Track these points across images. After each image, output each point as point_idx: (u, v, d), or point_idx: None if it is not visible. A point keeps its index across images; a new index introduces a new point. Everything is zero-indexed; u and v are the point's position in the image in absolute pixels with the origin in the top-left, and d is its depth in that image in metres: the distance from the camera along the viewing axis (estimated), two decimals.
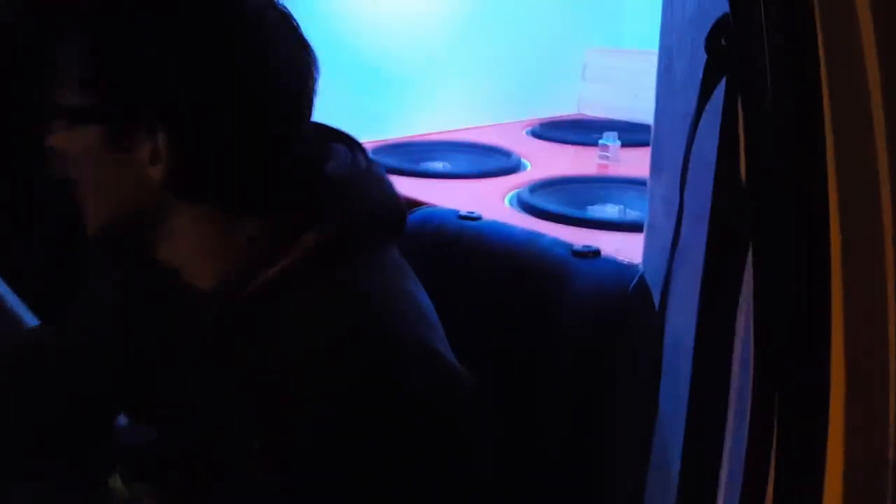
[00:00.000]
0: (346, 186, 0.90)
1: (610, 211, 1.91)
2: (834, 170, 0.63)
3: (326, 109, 2.60)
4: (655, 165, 1.53)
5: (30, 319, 1.11)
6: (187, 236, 0.87)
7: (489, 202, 1.93)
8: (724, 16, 0.69)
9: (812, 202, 0.63)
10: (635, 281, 1.02)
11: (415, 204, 1.87)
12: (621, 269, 1.06)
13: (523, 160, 2.29)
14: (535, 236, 1.15)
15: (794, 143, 0.62)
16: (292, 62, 0.86)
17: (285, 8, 0.87)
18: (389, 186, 0.96)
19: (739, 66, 0.67)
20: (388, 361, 0.81)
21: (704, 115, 0.79)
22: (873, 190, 0.64)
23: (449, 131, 2.63)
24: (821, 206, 0.63)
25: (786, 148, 0.62)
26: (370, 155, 0.98)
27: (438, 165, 2.36)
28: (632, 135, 2.27)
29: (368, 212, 0.90)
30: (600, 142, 2.23)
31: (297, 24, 0.87)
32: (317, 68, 0.89)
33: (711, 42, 0.71)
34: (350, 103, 2.49)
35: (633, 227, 1.64)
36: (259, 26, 0.84)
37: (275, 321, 0.84)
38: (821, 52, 0.62)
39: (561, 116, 2.88)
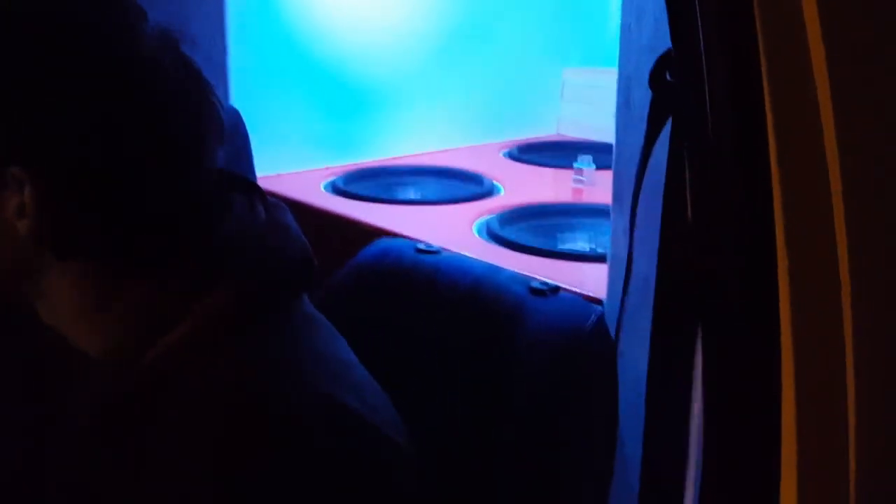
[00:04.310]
0: (244, 244, 0.83)
1: (579, 241, 1.86)
2: (781, 219, 0.58)
3: (297, 132, 2.55)
4: (617, 196, 1.49)
5: None
6: (66, 297, 0.81)
7: (457, 231, 1.88)
8: (669, 50, 0.65)
9: (759, 252, 0.59)
10: (593, 320, 0.97)
11: (381, 233, 1.83)
12: (580, 308, 1.00)
13: (497, 184, 2.25)
14: (493, 271, 1.10)
15: (740, 192, 0.58)
16: (177, 101, 0.79)
17: (173, 39, 0.80)
18: (294, 236, 0.89)
19: (683, 105, 0.63)
20: (299, 430, 0.76)
21: (664, 144, 0.75)
22: (826, 236, 0.60)
23: (423, 153, 2.59)
24: (767, 256, 0.59)
25: (731, 199, 0.58)
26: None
27: (409, 191, 2.32)
28: (610, 156, 2.22)
29: (270, 269, 0.84)
30: (575, 165, 2.19)
31: (189, 59, 0.80)
32: (216, 110, 0.81)
33: (656, 78, 0.66)
34: (322, 125, 2.46)
35: (600, 258, 1.60)
36: (132, 60, 0.77)
37: (176, 392, 0.79)
38: (766, 92, 0.57)
39: (539, 138, 2.84)
